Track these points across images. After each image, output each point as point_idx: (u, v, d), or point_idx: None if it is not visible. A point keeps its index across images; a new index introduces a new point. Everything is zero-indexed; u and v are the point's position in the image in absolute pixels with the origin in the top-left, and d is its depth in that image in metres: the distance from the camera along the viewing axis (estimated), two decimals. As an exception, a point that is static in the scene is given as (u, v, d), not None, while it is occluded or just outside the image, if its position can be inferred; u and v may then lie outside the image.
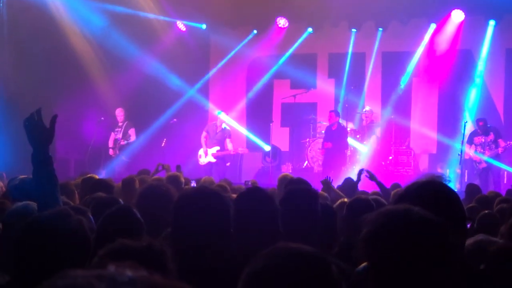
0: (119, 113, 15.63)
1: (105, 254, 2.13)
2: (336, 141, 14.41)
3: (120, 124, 15.63)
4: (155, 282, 1.06)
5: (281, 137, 16.99)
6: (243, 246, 2.91)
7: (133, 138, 15.50)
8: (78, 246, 2.53)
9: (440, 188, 2.59)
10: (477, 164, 13.81)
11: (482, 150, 13.73)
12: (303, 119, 16.46)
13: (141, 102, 16.65)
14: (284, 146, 16.93)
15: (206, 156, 15.07)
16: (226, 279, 2.39)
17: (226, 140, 15.10)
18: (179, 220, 2.94)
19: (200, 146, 15.26)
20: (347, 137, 14.77)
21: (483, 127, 13.78)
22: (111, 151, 15.49)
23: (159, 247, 2.21)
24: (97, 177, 7.48)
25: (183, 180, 7.39)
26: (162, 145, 15.74)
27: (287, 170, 15.41)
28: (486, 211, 5.66)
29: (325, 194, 6.87)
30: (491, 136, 13.71)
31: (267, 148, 16.44)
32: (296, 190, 3.92)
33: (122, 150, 15.37)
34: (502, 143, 13.58)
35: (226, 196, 3.04)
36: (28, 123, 3.47)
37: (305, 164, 15.94)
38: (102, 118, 15.81)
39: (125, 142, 15.33)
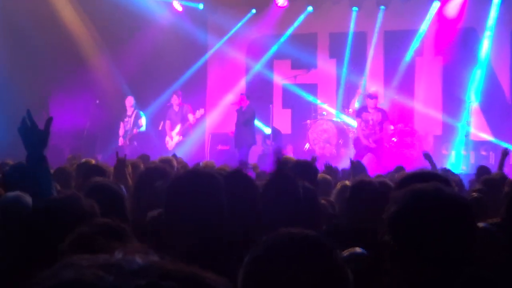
0: (129, 102, 15.66)
1: (70, 242, 2.18)
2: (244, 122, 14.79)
3: (129, 114, 15.63)
4: (168, 269, 0.99)
5: (283, 119, 17.04)
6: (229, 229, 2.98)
7: (143, 127, 15.65)
8: None
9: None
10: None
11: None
12: (304, 101, 16.51)
13: (139, 84, 16.69)
14: (286, 128, 16.96)
15: (172, 139, 15.41)
16: (219, 259, 2.50)
17: (188, 115, 15.43)
18: (172, 202, 2.96)
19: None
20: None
21: None
22: (121, 141, 15.53)
23: (118, 225, 2.29)
24: (93, 161, 7.44)
25: (175, 164, 7.44)
26: (160, 128, 15.81)
27: (288, 152, 15.35)
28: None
29: (328, 176, 6.80)
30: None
31: (268, 130, 16.46)
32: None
33: (133, 139, 15.48)
34: None
35: (219, 178, 3.04)
36: (22, 130, 3.42)
37: (306, 146, 15.94)
38: (97, 101, 15.82)
39: (137, 131, 15.44)
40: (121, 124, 15.71)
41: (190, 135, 15.69)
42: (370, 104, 14.16)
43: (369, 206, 4.30)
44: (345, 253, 3.04)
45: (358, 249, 3.13)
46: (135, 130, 15.45)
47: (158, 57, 16.77)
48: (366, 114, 14.18)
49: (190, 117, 15.37)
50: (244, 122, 14.70)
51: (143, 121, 15.64)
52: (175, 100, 15.59)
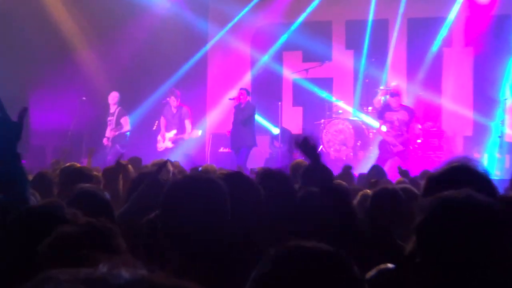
0: (113, 98, 15.65)
1: (50, 243, 2.23)
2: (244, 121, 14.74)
3: (111, 111, 15.69)
4: (156, 283, 1.01)
5: (293, 118, 17.01)
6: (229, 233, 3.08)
7: (126, 127, 15.57)
8: None
9: (474, 172, 2.75)
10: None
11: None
12: (317, 97, 16.48)
13: (132, 78, 16.81)
14: (297, 128, 16.80)
15: (164, 141, 15.52)
16: (219, 262, 2.72)
17: (186, 121, 15.49)
18: (169, 210, 3.02)
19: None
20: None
21: None
22: (105, 140, 15.60)
23: (104, 225, 2.35)
24: (78, 165, 7.40)
25: (171, 168, 7.55)
26: (154, 128, 15.88)
27: (300, 156, 15.19)
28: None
29: (343, 182, 6.79)
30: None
31: (276, 131, 16.40)
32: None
33: (115, 141, 15.50)
34: None
35: (221, 183, 3.09)
36: None
37: (320, 148, 15.67)
38: (84, 98, 15.86)
39: (117, 132, 15.45)
40: (108, 124, 15.79)
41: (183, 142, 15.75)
42: (393, 103, 14.19)
43: (392, 215, 4.48)
44: (374, 271, 3.15)
45: (390, 266, 3.20)
46: (116, 131, 15.51)
47: (153, 48, 16.83)
48: (390, 113, 14.25)
49: (187, 125, 15.46)
50: (243, 120, 14.65)
51: (127, 120, 15.65)
52: (173, 102, 15.68)
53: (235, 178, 3.66)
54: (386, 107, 14.48)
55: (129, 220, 4.23)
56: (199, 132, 15.64)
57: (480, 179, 2.73)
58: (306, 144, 4.12)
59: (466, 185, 2.33)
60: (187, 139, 15.58)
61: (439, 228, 2.10)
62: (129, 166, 7.50)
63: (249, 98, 14.98)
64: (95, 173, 6.74)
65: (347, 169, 8.59)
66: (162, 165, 5.25)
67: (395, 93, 14.29)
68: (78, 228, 2.34)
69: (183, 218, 2.93)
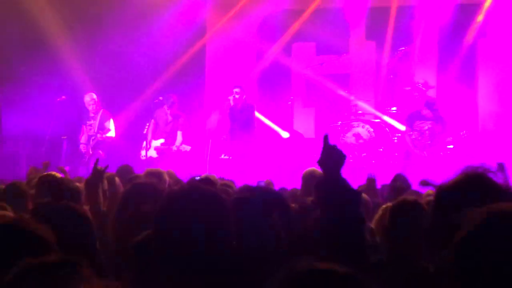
0: (90, 100, 15.67)
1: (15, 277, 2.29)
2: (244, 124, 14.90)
3: (92, 114, 15.72)
4: None
5: (305, 120, 17.09)
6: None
7: (112, 132, 15.67)
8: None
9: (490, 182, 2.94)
10: None
11: None
12: (333, 96, 16.51)
13: (118, 74, 16.92)
14: (309, 131, 16.93)
15: (149, 149, 15.50)
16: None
17: (178, 133, 15.59)
18: (164, 230, 3.05)
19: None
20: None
21: None
22: (83, 148, 15.65)
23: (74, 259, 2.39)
24: (57, 175, 7.44)
25: (166, 178, 7.85)
26: (145, 131, 15.70)
27: (313, 164, 15.01)
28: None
29: (366, 196, 6.78)
30: None
31: (285, 135, 16.45)
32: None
33: (98, 147, 15.56)
34: None
35: (224, 198, 3.16)
36: None
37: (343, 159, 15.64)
38: (64, 97, 15.81)
39: (104, 136, 15.53)
40: (83, 128, 15.79)
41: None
42: (427, 113, 14.39)
43: (412, 232, 4.51)
44: None
45: None
46: (100, 135, 15.46)
47: (141, 39, 16.88)
48: (420, 122, 14.45)
49: (179, 137, 15.53)
50: (242, 125, 14.64)
51: (111, 123, 15.69)
52: (170, 102, 15.65)
53: (245, 191, 3.85)
54: (416, 115, 14.58)
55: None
56: (188, 148, 15.58)
57: (496, 191, 2.87)
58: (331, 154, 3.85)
59: (479, 198, 2.46)
60: (174, 150, 15.47)
61: (493, 244, 2.10)
62: (116, 178, 7.56)
63: (245, 96, 14.99)
64: (76, 184, 6.81)
65: (371, 182, 8.60)
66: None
67: (431, 102, 14.41)
68: (43, 265, 2.34)
69: (179, 236, 2.98)
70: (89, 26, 16.51)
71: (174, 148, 15.44)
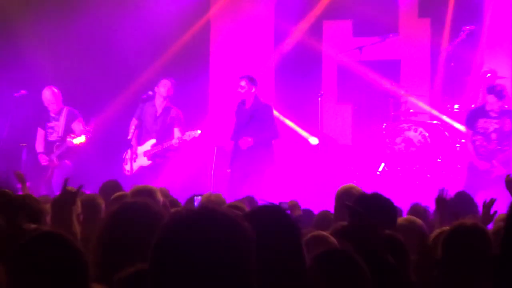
0: (50, 97, 15.71)
1: None
2: (258, 131, 14.89)
3: (54, 115, 15.78)
4: None
5: (339, 120, 17.34)
6: None
7: (82, 138, 15.38)
8: None
9: None
10: None
11: None
12: (376, 90, 16.67)
13: (97, 63, 17.14)
14: (345, 136, 17.28)
15: (136, 159, 15.54)
16: None
17: (175, 130, 15.70)
18: (166, 260, 2.98)
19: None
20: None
21: None
22: (43, 160, 15.66)
23: None
24: (12, 194, 7.61)
25: (160, 197, 8.00)
26: (129, 137, 15.72)
27: (350, 180, 15.18)
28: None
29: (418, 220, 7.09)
30: None
31: (314, 141, 16.49)
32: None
33: (64, 156, 15.58)
34: None
35: (246, 226, 3.09)
36: None
37: (381, 168, 15.94)
38: (24, 92, 15.99)
39: (72, 141, 15.31)
40: (40, 133, 15.84)
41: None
42: (492, 105, 14.27)
43: (470, 264, 4.86)
44: None
45: None
46: (68, 141, 15.21)
47: (130, 16, 16.87)
48: (484, 121, 14.39)
49: (176, 133, 15.58)
50: (255, 129, 14.87)
51: (80, 125, 15.63)
52: (162, 91, 15.67)
53: (265, 215, 4.04)
54: (479, 111, 14.61)
55: None
56: (197, 133, 15.40)
57: None
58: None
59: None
60: (177, 146, 15.45)
61: None
62: (98, 198, 7.80)
63: (254, 89, 15.03)
64: (39, 203, 6.91)
65: (416, 209, 8.62)
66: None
67: (499, 91, 14.27)
68: None
69: (187, 274, 2.92)
70: (61, 5, 16.89)
71: (175, 142, 15.32)
